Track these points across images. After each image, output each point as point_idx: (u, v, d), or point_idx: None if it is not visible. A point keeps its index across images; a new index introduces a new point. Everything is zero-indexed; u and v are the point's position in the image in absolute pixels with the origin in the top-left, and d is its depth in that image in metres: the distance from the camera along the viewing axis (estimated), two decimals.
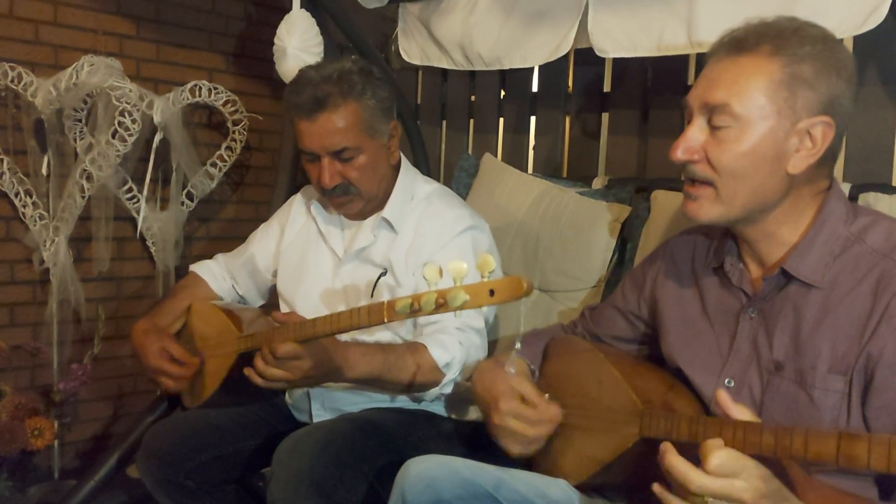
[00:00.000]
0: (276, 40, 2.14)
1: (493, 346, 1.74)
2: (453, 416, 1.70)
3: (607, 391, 1.22)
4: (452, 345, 1.53)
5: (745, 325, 1.18)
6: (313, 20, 2.12)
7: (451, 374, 1.53)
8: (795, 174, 1.10)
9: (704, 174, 1.13)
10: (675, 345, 1.27)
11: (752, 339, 1.16)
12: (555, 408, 1.23)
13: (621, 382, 1.20)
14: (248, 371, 1.42)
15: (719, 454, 0.93)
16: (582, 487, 1.24)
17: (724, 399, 1.00)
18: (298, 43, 2.08)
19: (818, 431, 0.92)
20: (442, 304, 1.09)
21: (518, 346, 1.24)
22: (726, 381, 1.17)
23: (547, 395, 1.30)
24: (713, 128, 1.12)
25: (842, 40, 1.20)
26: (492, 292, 1.06)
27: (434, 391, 1.55)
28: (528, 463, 1.32)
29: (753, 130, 1.09)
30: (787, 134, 1.09)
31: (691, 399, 1.21)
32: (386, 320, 1.19)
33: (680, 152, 1.14)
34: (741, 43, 1.11)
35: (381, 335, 1.64)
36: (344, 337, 1.44)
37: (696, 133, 1.14)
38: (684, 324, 1.27)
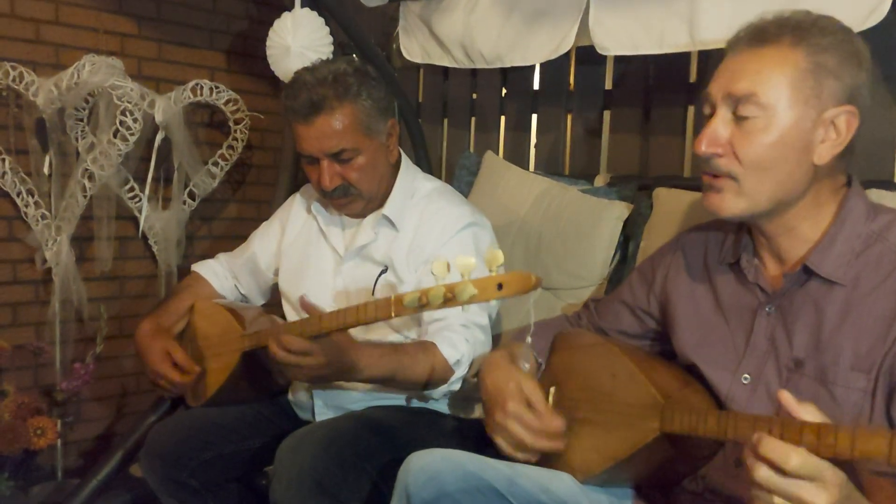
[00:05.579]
0: (274, 37, 2.13)
1: (496, 340, 1.74)
2: (457, 414, 1.70)
3: (622, 384, 1.20)
4: (460, 342, 1.53)
5: (761, 321, 1.17)
6: (321, 19, 2.11)
7: (461, 372, 1.54)
8: (820, 165, 1.10)
9: (729, 168, 1.11)
10: (688, 341, 1.26)
11: (770, 336, 1.15)
12: (558, 420, 1.20)
13: (638, 375, 1.17)
14: (271, 349, 1.38)
15: (797, 455, 0.86)
16: (589, 483, 1.22)
17: (788, 399, 0.91)
18: (306, 42, 2.07)
19: (866, 429, 0.85)
20: (450, 299, 1.09)
21: (529, 340, 1.22)
22: (743, 377, 1.16)
23: (553, 388, 1.30)
24: (739, 118, 1.10)
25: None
26: (500, 286, 1.06)
27: (443, 388, 1.55)
28: None
29: (781, 120, 1.08)
30: (814, 124, 1.08)
31: (706, 396, 1.20)
32: (393, 315, 1.19)
33: (704, 145, 1.12)
34: (762, 34, 1.11)
35: (386, 334, 1.64)
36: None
37: (720, 125, 1.12)
38: (697, 320, 1.26)
